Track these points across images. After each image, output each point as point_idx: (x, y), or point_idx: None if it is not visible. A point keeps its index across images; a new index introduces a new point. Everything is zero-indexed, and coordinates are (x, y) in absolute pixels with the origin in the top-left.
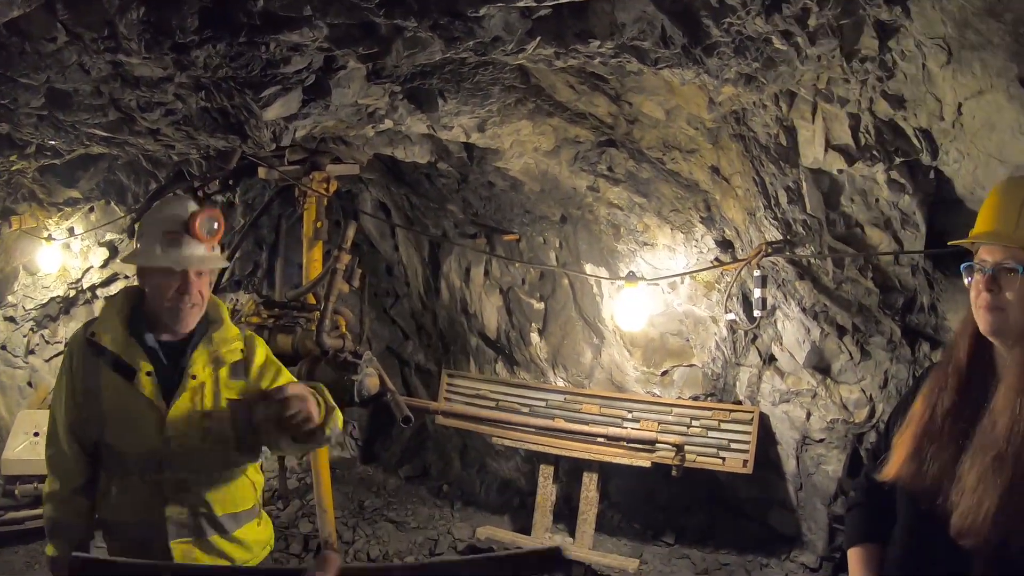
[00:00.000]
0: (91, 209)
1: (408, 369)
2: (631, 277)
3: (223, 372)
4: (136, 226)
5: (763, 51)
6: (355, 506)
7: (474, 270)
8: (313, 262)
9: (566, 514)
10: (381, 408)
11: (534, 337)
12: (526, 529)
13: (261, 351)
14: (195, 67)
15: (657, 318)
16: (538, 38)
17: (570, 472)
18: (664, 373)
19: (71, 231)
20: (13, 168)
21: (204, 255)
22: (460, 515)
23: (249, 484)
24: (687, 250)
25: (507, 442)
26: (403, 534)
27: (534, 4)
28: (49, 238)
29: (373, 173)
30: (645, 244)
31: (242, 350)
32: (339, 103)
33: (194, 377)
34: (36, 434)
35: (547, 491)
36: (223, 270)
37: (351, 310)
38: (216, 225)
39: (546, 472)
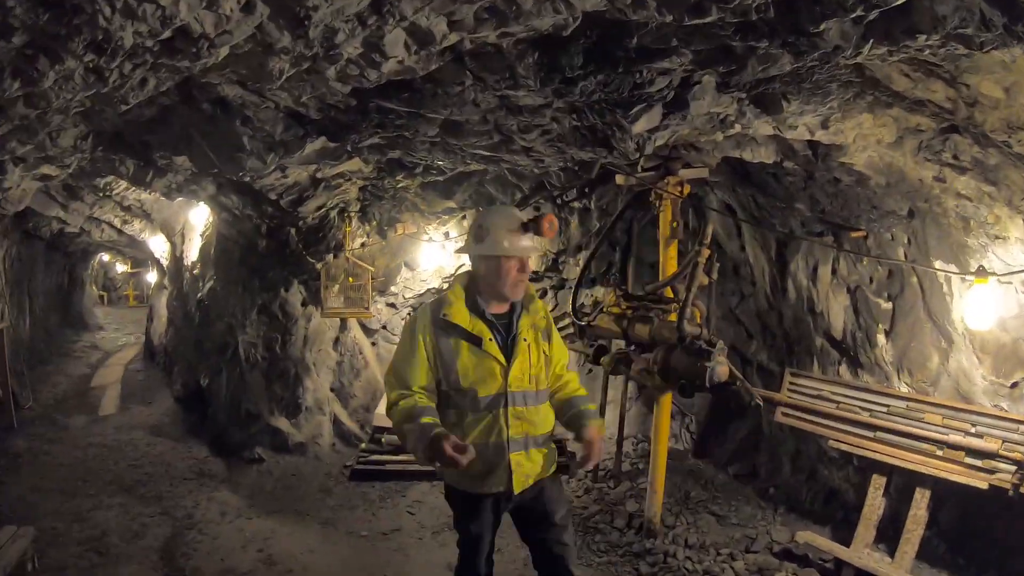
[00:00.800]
0: (463, 216)
1: (750, 368)
2: (981, 272)
3: (538, 335)
4: (477, 227)
5: None
6: (681, 495)
7: (821, 268)
8: (669, 259)
9: (890, 534)
10: (719, 405)
11: (880, 339)
12: (846, 541)
13: (550, 318)
14: (572, 94)
15: (1009, 321)
16: (871, 40)
17: (902, 489)
18: (1014, 385)
19: (447, 235)
20: (399, 186)
21: (535, 246)
22: (782, 519)
23: (551, 416)
24: None
25: (843, 446)
26: (723, 528)
27: (863, 13)
28: (428, 240)
29: (719, 175)
30: (996, 238)
31: (544, 317)
32: (695, 113)
33: (524, 340)
34: None
35: (875, 503)
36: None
37: (703, 303)
38: (554, 225)
39: (877, 483)
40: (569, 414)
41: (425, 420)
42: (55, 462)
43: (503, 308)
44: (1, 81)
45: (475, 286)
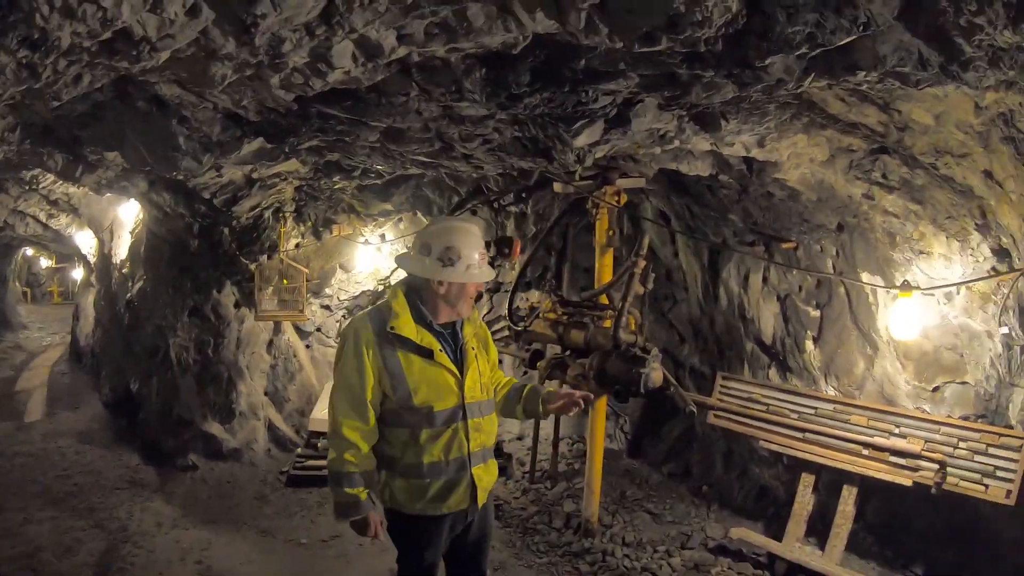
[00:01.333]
0: (400, 219)
1: (683, 371)
2: (906, 286)
3: (479, 343)
4: (445, 248)
5: (1016, 59)
6: (617, 494)
7: (752, 277)
8: (605, 266)
9: (820, 529)
10: (653, 406)
11: (808, 345)
12: (778, 536)
13: (484, 326)
14: (516, 108)
15: (932, 330)
16: (812, 74)
17: (829, 486)
18: (935, 389)
19: (383, 237)
20: (335, 187)
21: (492, 271)
22: (716, 515)
23: (496, 421)
24: (963, 259)
25: (773, 446)
26: (658, 526)
27: (807, 51)
28: (364, 242)
29: (654, 184)
30: (920, 252)
31: (482, 325)
32: (636, 130)
33: (472, 348)
34: None
35: (805, 500)
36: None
37: (637, 311)
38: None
39: (807, 480)
40: (523, 396)
41: (363, 496)
42: None
43: (447, 319)
44: None
45: (418, 296)
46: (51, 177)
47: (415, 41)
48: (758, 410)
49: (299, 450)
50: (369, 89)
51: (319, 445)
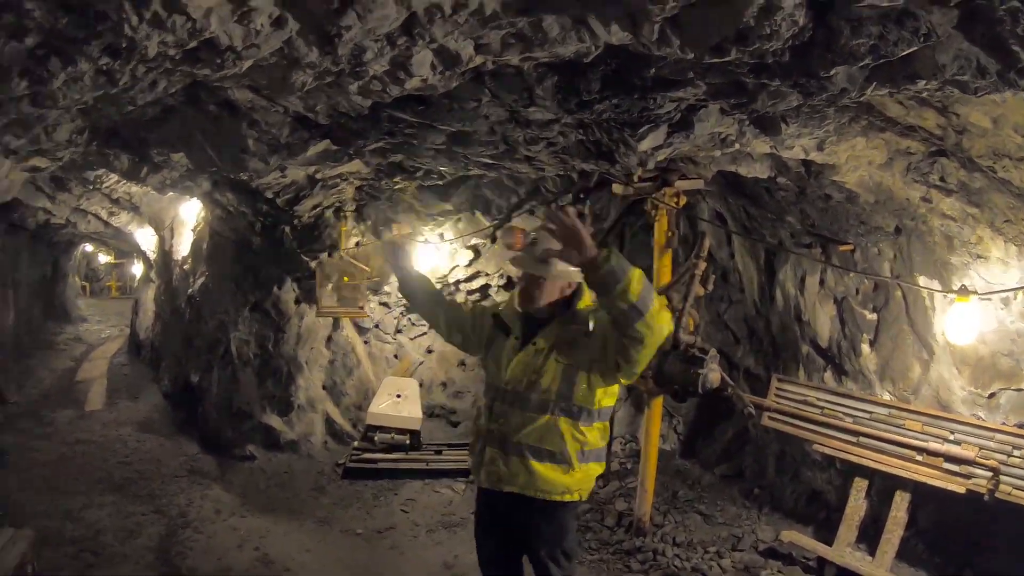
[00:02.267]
0: (459, 219)
1: (737, 373)
2: (963, 291)
3: (563, 345)
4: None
5: None
6: (669, 494)
7: (809, 279)
8: (664, 267)
9: (871, 534)
10: (707, 406)
11: (864, 348)
12: (828, 541)
13: (600, 326)
14: (584, 113)
15: (988, 335)
16: (874, 83)
17: (882, 492)
18: (991, 395)
19: (441, 236)
20: (396, 187)
21: (562, 271)
22: (766, 518)
23: (558, 434)
24: (1020, 263)
25: (827, 450)
26: (709, 527)
27: (870, 62)
28: (424, 242)
29: (711, 185)
30: (978, 257)
31: (588, 332)
32: (698, 134)
33: (534, 343)
34: (398, 396)
35: (857, 505)
36: None
37: (696, 312)
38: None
39: (859, 485)
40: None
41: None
42: (43, 459)
43: (542, 314)
44: (9, 80)
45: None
46: (114, 177)
47: (492, 51)
48: (812, 413)
49: (356, 443)
50: (442, 95)
51: (375, 438)
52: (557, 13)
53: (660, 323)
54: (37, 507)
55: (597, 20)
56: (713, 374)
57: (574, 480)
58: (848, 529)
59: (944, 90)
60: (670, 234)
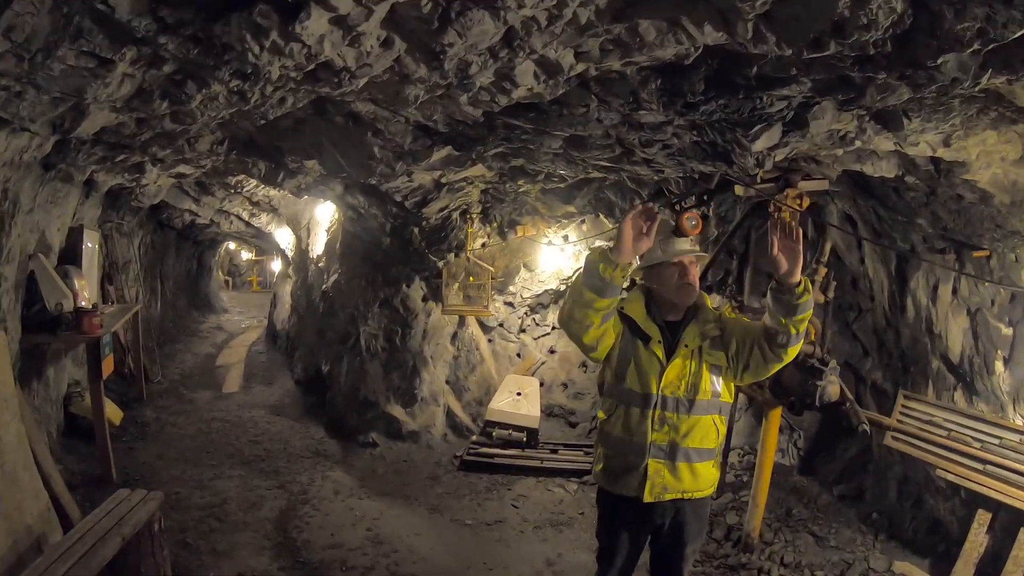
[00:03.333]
0: (582, 221)
1: (863, 387)
2: None
3: (706, 344)
4: None
5: None
6: (782, 511)
7: (942, 288)
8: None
9: (989, 573)
10: (829, 421)
11: (998, 366)
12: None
13: (730, 326)
14: (692, 115)
15: None
16: (989, 70)
17: (1007, 528)
18: None
19: (566, 238)
20: (520, 190)
21: (690, 248)
22: (881, 546)
23: (714, 430)
24: None
25: (950, 476)
26: (820, 550)
27: (980, 47)
28: (548, 243)
29: (839, 186)
30: None
31: (719, 328)
32: (814, 132)
33: (686, 346)
34: (519, 394)
35: (977, 540)
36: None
37: (818, 320)
38: (695, 222)
39: (982, 519)
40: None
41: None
42: (180, 433)
43: (675, 317)
44: (151, 101)
45: (650, 297)
46: (253, 181)
47: (592, 58)
48: (939, 435)
49: (474, 437)
50: (551, 102)
51: (493, 434)
52: (651, 17)
53: (796, 351)
54: (172, 474)
55: (690, 21)
56: (832, 387)
57: (717, 473)
58: (965, 565)
59: None
60: None
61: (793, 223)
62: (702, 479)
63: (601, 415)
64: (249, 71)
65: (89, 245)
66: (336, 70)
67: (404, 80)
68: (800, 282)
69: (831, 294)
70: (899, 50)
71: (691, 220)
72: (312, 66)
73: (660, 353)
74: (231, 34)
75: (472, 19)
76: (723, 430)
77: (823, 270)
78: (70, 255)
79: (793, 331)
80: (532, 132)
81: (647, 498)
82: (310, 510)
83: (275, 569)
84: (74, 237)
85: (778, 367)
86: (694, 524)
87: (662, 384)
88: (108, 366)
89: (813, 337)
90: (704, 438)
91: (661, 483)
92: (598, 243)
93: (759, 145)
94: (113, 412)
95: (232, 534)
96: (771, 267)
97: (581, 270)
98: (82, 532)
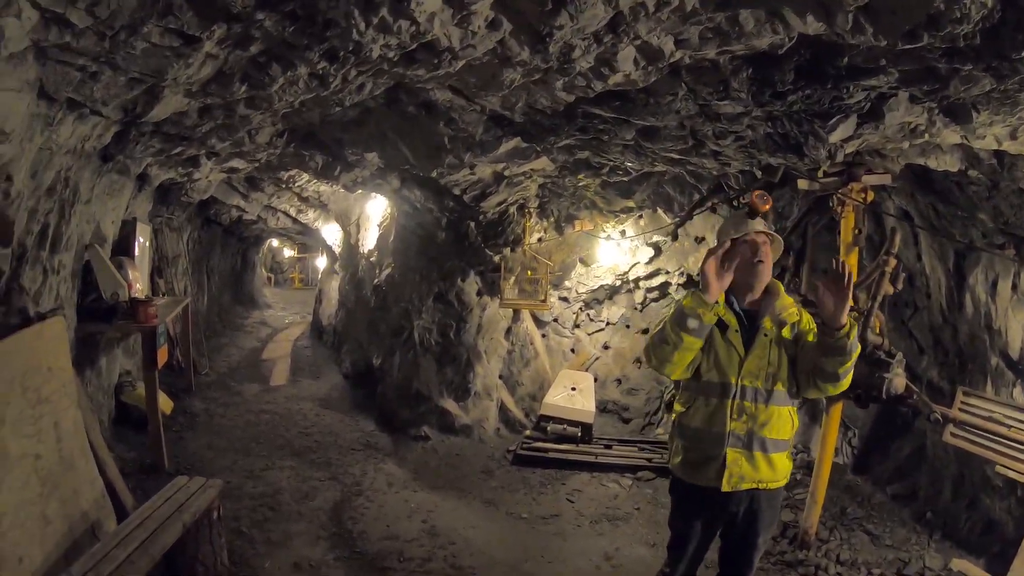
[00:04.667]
0: (640, 215)
1: (919, 385)
2: None
3: (784, 331)
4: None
5: None
6: (837, 510)
7: (1001, 283)
8: (849, 266)
9: None
10: (883, 420)
11: None
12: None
13: (806, 315)
14: (776, 104)
15: None
16: None
17: None
18: None
19: (623, 233)
20: (580, 184)
21: (760, 228)
22: (936, 545)
23: (789, 421)
24: None
25: (1011, 473)
26: (876, 548)
27: None
28: (606, 238)
29: (896, 181)
30: None
31: (796, 313)
32: (888, 124)
33: (765, 335)
34: (573, 389)
35: None
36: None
37: (883, 313)
38: (766, 198)
39: None
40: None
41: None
42: (229, 424)
43: (753, 303)
44: (230, 85)
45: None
46: (305, 177)
47: (690, 45)
48: (999, 431)
49: (528, 432)
50: (640, 90)
51: (548, 428)
52: (753, 7)
53: (846, 385)
54: (223, 464)
55: (792, 12)
56: (899, 379)
57: (791, 464)
58: (1022, 564)
59: None
60: (857, 231)
61: (845, 262)
62: (778, 469)
63: (679, 407)
64: (349, 49)
65: (141, 239)
66: (438, 51)
67: (504, 63)
68: (844, 324)
69: (900, 285)
70: (987, 43)
71: (762, 197)
72: (414, 46)
73: (738, 342)
74: (338, 8)
75: (586, 1)
76: (796, 422)
77: (892, 261)
78: (123, 247)
79: (838, 369)
80: (612, 122)
81: (725, 487)
82: (364, 501)
83: (331, 559)
84: (127, 230)
85: (820, 395)
86: (768, 514)
87: (742, 374)
88: (163, 356)
89: (879, 329)
90: (780, 429)
91: (739, 472)
92: (677, 286)
93: (835, 136)
94: (165, 402)
95: (286, 524)
96: (818, 308)
97: (671, 318)
98: (142, 518)
